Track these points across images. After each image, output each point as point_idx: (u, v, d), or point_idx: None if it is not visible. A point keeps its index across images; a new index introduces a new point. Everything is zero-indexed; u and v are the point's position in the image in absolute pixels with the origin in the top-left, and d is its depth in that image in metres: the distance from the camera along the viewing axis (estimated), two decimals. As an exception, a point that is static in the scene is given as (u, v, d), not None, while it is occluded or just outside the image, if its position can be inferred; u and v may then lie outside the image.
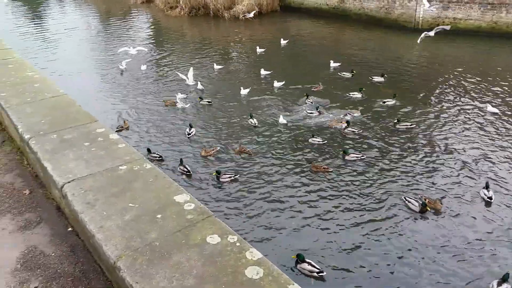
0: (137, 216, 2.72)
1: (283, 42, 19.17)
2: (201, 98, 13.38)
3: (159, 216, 2.73)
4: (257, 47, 18.31)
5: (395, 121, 11.32)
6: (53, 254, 3.43)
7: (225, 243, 2.46)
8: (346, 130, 11.01)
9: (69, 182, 3.07)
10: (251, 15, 18.46)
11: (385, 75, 14.73)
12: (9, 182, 4.64)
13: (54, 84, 5.21)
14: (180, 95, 13.33)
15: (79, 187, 3.00)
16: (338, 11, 23.16)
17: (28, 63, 6.40)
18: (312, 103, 12.98)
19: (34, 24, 26.42)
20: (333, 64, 16.03)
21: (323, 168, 9.25)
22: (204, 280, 2.19)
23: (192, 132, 11.09)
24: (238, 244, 2.45)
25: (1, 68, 6.02)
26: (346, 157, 9.70)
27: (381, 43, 19.46)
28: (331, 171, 9.23)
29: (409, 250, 7.08)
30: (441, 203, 8.04)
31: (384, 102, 12.80)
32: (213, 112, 12.76)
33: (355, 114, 12.08)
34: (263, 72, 15.51)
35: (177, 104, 12.86)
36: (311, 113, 12.13)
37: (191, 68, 14.89)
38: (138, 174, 3.20)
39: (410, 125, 11.26)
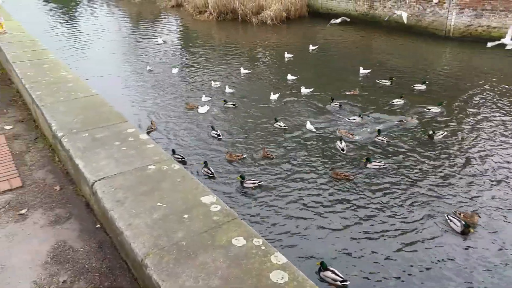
0: (164, 215, 2.76)
1: (312, 48, 19.07)
2: (225, 101, 13.40)
3: (186, 216, 2.76)
4: (286, 53, 18.29)
5: (430, 132, 11.03)
6: (81, 249, 3.51)
7: (250, 246, 2.47)
8: (376, 139, 10.83)
9: (99, 179, 3.14)
10: (338, 20, 17.91)
11: (427, 82, 14.41)
12: (41, 178, 4.79)
13: (87, 84, 5.37)
14: (204, 98, 13.41)
15: (109, 185, 3.07)
16: (367, 18, 22.95)
17: (62, 63, 6.61)
18: (340, 105, 12.86)
19: (67, 25, 27.26)
20: (362, 71, 15.84)
21: (344, 175, 9.15)
22: (229, 282, 2.21)
23: (219, 134, 11.17)
24: (263, 247, 2.45)
25: (37, 67, 6.24)
26: (368, 165, 9.56)
27: (412, 50, 19.15)
28: (352, 179, 9.11)
29: (440, 265, 6.88)
30: (479, 216, 7.79)
31: (429, 109, 12.55)
32: (239, 115, 12.80)
33: (410, 121, 11.86)
34: (290, 77, 15.48)
35: (198, 108, 12.87)
36: (353, 119, 11.99)
37: (216, 82, 15.00)
38: (166, 174, 3.25)
39: (445, 134, 10.98)
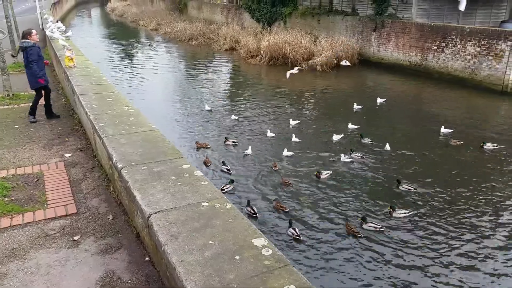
0: (216, 254, 2.74)
1: (379, 100, 18.01)
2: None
3: (237, 257, 2.72)
4: (355, 104, 17.17)
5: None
6: (129, 281, 3.53)
7: (303, 296, 2.39)
8: (400, 188, 10.32)
9: (155, 212, 3.19)
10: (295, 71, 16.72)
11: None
12: (95, 206, 4.95)
13: (147, 119, 5.60)
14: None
15: (165, 219, 3.11)
16: (419, 69, 22.73)
17: (125, 98, 6.96)
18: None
19: (126, 61, 28.99)
20: (443, 130, 14.81)
21: (352, 230, 8.67)
22: (280, 332, 2.12)
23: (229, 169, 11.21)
24: (316, 298, 2.36)
25: (102, 101, 6.61)
26: (394, 214, 9.12)
27: (471, 105, 18.32)
28: (361, 236, 8.56)
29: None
30: None
31: None
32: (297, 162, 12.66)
33: None
34: (350, 126, 14.63)
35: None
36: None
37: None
38: (219, 212, 3.26)
39: None
